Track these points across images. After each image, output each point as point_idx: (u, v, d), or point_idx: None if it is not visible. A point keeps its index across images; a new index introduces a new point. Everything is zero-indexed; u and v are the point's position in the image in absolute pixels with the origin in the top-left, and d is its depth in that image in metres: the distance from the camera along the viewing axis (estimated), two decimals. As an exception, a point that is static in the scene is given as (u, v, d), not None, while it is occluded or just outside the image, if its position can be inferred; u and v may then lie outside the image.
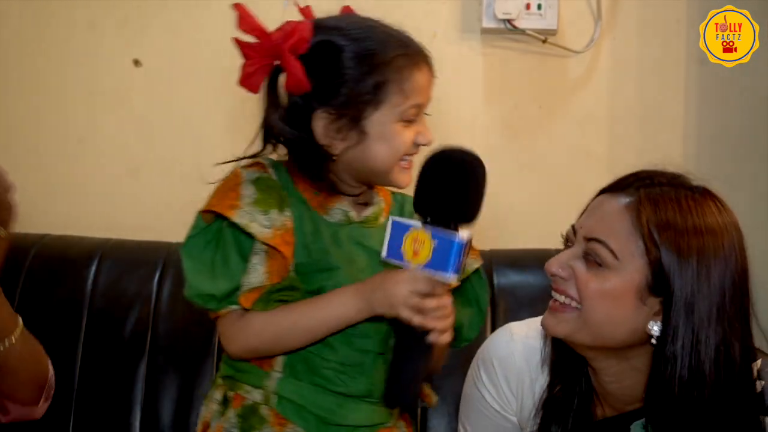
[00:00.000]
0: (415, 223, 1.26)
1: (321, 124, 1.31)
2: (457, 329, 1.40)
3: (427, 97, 1.38)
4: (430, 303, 1.26)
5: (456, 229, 1.24)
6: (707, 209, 1.27)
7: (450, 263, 1.22)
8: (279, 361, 1.35)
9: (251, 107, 2.30)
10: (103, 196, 2.33)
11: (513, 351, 1.47)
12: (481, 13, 2.26)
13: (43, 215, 2.31)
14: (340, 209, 1.37)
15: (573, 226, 1.37)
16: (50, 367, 1.68)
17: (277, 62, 1.31)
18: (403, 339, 1.28)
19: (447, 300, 1.29)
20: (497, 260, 2.10)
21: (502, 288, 2.04)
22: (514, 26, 2.24)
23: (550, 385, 1.41)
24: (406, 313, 1.25)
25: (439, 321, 1.27)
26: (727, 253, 1.25)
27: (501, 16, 2.23)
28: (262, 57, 1.31)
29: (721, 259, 1.24)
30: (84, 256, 2.06)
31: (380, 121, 1.31)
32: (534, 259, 2.10)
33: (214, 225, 1.33)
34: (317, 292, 1.33)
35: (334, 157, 1.33)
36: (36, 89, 2.32)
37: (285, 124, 1.34)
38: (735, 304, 1.25)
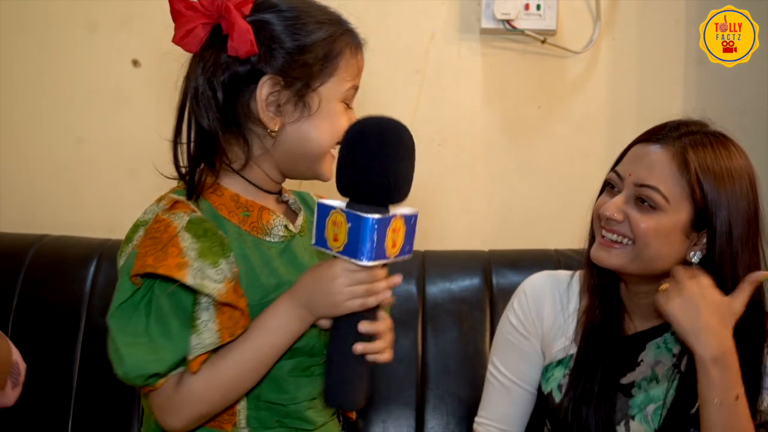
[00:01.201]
0: (338, 203, 1.15)
1: (265, 92, 1.20)
2: None
3: (359, 83, 1.29)
4: (373, 287, 1.19)
5: (386, 209, 1.15)
6: (732, 152, 1.48)
7: (363, 246, 1.12)
8: (241, 418, 1.24)
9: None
10: (102, 197, 2.33)
11: (544, 283, 1.67)
12: (480, 13, 2.26)
13: (42, 215, 2.31)
14: (280, 225, 1.27)
15: (617, 172, 1.53)
16: (14, 352, 1.63)
17: (216, 24, 1.21)
18: (339, 339, 1.21)
19: (382, 277, 1.21)
20: (496, 260, 2.10)
21: (501, 288, 2.04)
22: (513, 26, 2.24)
23: (589, 308, 1.59)
24: (351, 305, 1.17)
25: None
26: (749, 189, 1.47)
27: (500, 17, 2.23)
28: (203, 15, 1.21)
29: (745, 194, 1.46)
30: (83, 257, 2.06)
31: (327, 95, 1.23)
32: (533, 260, 2.10)
33: (142, 288, 1.18)
34: None
35: (272, 133, 1.22)
36: (35, 89, 2.32)
37: (223, 94, 1.21)
38: (756, 234, 1.48)
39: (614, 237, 1.49)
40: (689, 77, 2.33)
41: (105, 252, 2.07)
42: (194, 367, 1.16)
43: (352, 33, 1.27)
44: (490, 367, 1.69)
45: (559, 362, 1.61)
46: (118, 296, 1.18)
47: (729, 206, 1.44)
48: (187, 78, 1.24)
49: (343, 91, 1.25)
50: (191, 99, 1.23)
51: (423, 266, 2.06)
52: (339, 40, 1.24)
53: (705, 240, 1.46)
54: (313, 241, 1.18)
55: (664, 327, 1.55)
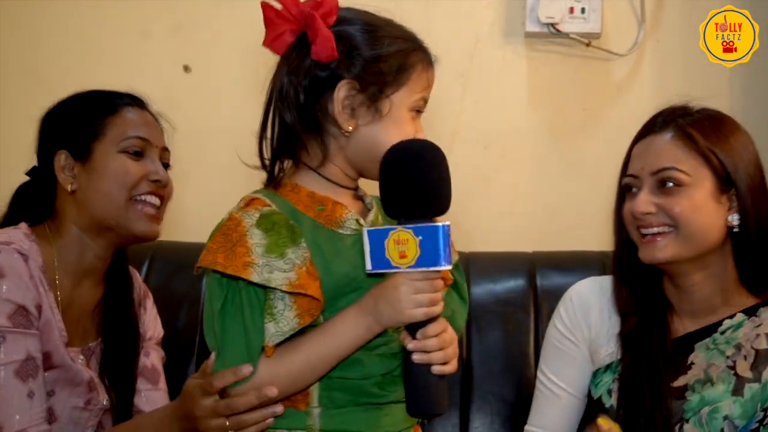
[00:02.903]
0: (391, 226, 1.23)
1: (342, 95, 1.30)
2: (447, 317, 1.38)
3: (428, 95, 1.39)
4: (433, 296, 1.25)
5: (433, 221, 1.23)
6: (720, 115, 1.58)
7: (441, 253, 1.20)
8: (314, 397, 1.31)
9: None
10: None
11: (590, 289, 1.70)
12: (524, 17, 2.28)
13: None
14: (352, 218, 1.34)
15: (630, 175, 1.58)
16: None
17: (302, 31, 1.32)
18: (407, 351, 1.25)
19: (441, 287, 1.27)
20: (540, 262, 2.12)
21: (546, 290, 2.05)
22: (558, 30, 2.26)
23: (624, 317, 1.61)
24: (415, 314, 1.24)
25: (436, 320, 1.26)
26: (746, 136, 1.57)
27: (544, 20, 2.24)
28: (291, 22, 1.32)
29: (744, 143, 1.55)
30: (135, 257, 2.09)
31: (397, 103, 1.32)
32: (577, 261, 2.10)
33: (229, 283, 1.28)
34: None
35: (346, 133, 1.31)
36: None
37: (304, 95, 1.32)
38: (763, 178, 1.56)
39: (654, 230, 1.52)
40: (734, 79, 2.32)
41: (157, 253, 2.14)
42: (268, 352, 1.26)
43: (424, 50, 1.37)
44: (539, 375, 1.72)
45: (608, 367, 1.62)
46: (216, 299, 1.29)
47: (742, 160, 1.53)
48: (274, 77, 1.36)
49: (412, 100, 1.34)
50: (276, 96, 1.35)
51: (467, 268, 2.07)
52: (412, 55, 1.34)
53: (735, 200, 1.52)
54: (370, 267, 1.25)
55: (713, 327, 1.56)
